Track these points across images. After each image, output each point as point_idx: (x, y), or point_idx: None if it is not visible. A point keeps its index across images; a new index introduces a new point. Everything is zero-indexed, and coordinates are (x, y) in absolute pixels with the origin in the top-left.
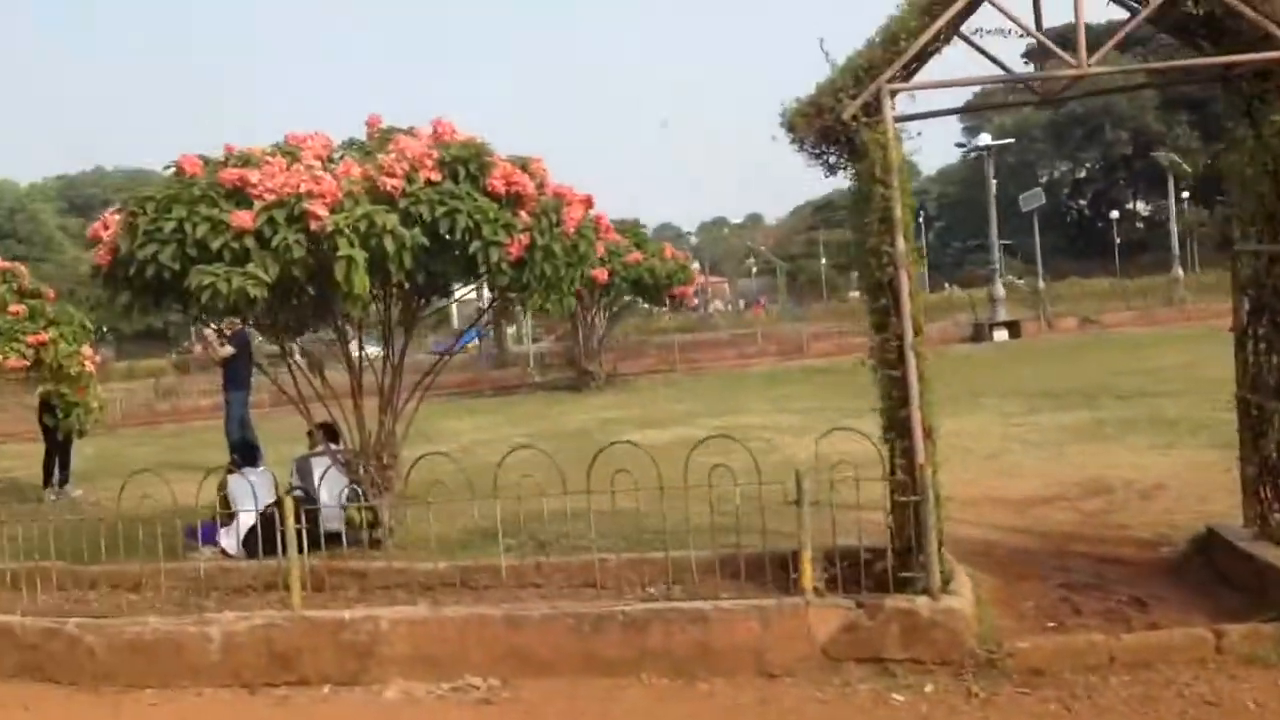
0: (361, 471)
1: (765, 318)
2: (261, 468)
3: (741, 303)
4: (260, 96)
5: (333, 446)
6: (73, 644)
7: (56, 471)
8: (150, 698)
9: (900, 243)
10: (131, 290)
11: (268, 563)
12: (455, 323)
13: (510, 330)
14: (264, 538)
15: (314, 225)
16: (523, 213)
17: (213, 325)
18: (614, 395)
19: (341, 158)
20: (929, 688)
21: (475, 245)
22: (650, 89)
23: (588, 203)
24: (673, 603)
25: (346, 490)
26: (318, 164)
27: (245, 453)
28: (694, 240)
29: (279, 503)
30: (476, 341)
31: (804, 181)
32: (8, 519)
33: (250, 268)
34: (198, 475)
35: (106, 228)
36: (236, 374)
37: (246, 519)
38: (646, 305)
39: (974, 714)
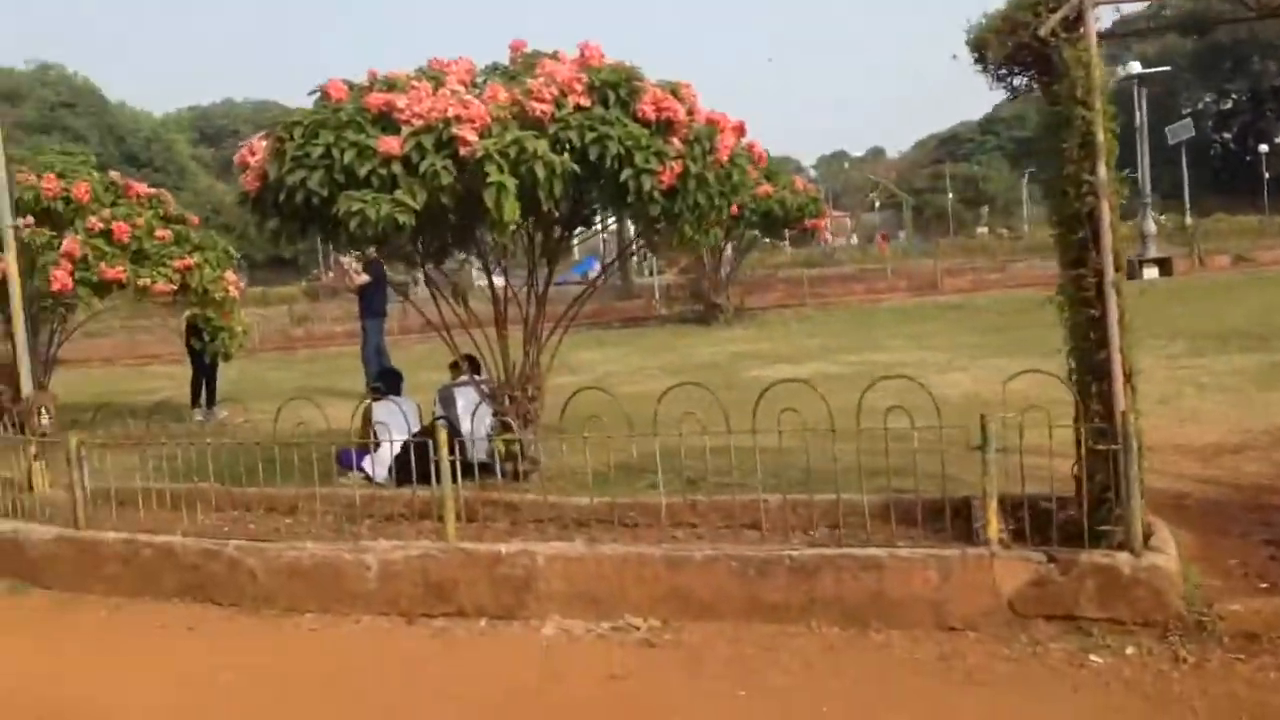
0: (507, 402)
1: (890, 253)
2: (404, 396)
3: (857, 238)
4: (390, 25)
5: (475, 377)
6: (233, 566)
7: (203, 393)
8: (310, 622)
9: (1102, 170)
10: (280, 216)
11: (418, 491)
12: (576, 254)
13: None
14: (410, 466)
15: (463, 151)
16: (675, 140)
17: (351, 254)
18: (742, 329)
19: (485, 83)
20: (1130, 650)
21: (626, 173)
22: (768, 12)
23: (740, 130)
24: (845, 548)
25: (491, 420)
26: (462, 89)
27: (389, 380)
28: (813, 174)
29: (426, 431)
30: (592, 273)
31: (927, 114)
32: (167, 441)
33: (398, 194)
34: (339, 400)
35: (253, 154)
36: (373, 302)
37: (392, 447)
38: (767, 239)
39: (1184, 680)
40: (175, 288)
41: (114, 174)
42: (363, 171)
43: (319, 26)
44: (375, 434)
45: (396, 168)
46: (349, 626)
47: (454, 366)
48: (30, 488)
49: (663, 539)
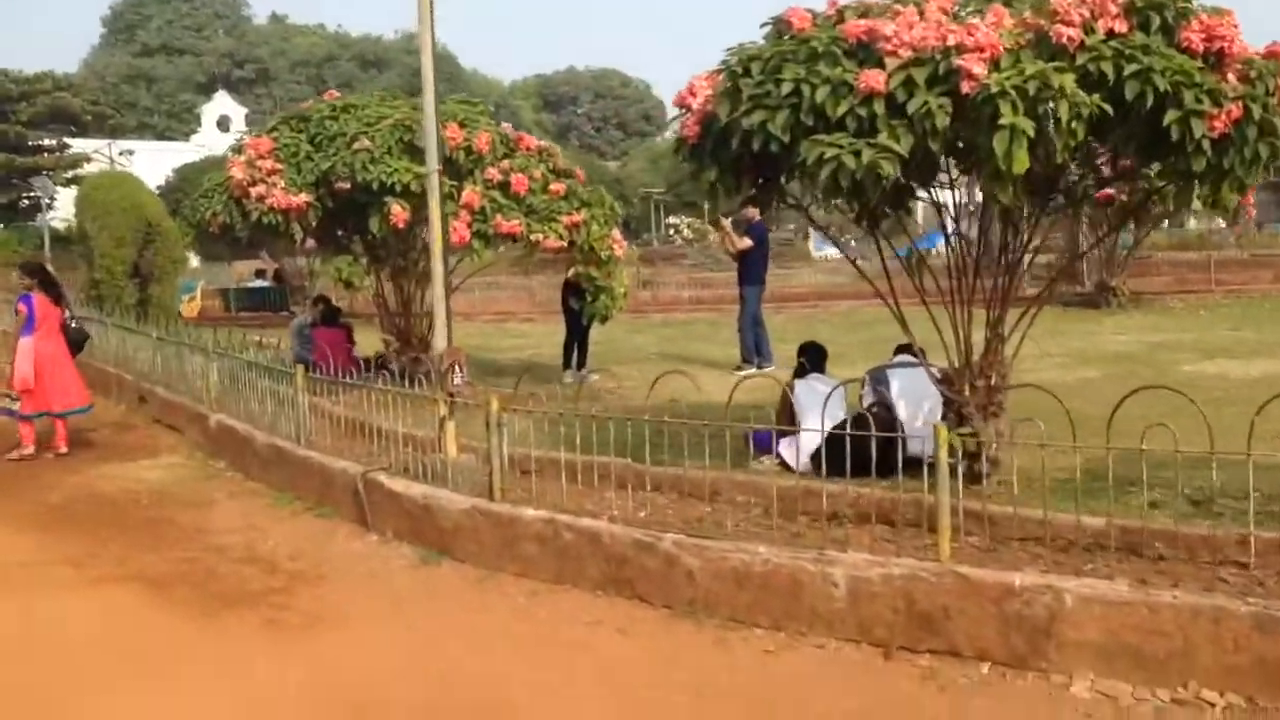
0: (967, 391)
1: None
2: (827, 376)
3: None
4: None
5: (911, 358)
6: (669, 563)
7: (574, 355)
8: (761, 639)
9: None
10: (719, 165)
11: (860, 489)
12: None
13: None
14: (836, 456)
15: (966, 87)
16: (1230, 76)
17: (727, 216)
18: (1141, 316)
19: (964, 13)
20: None
21: (1171, 115)
22: None
23: None
24: None
25: (931, 408)
26: (943, 15)
27: (812, 356)
28: None
29: (860, 418)
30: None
31: None
32: (575, 409)
33: (881, 139)
34: (708, 370)
35: (694, 94)
36: (753, 268)
37: (813, 433)
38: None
39: None
40: (565, 244)
41: (505, 126)
42: (838, 112)
43: None
44: (791, 415)
45: (879, 107)
46: (810, 651)
47: (904, 350)
48: (440, 449)
49: (1213, 583)
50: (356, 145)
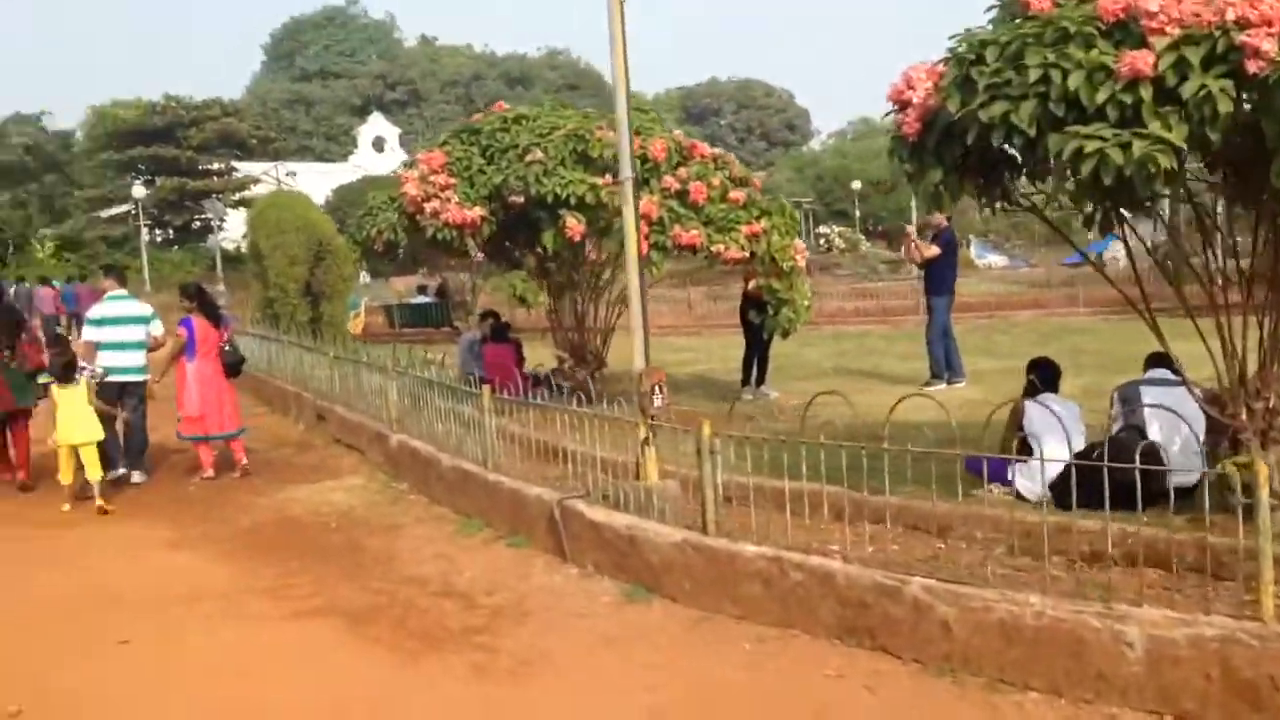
0: (1244, 414)
1: None
2: (1063, 397)
3: None
4: None
5: (1167, 373)
6: (919, 611)
7: (755, 371)
8: (1038, 706)
9: None
10: (944, 165)
11: (1125, 526)
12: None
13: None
14: (1085, 486)
15: (1253, 66)
16: None
17: (912, 225)
18: None
19: None
20: None
21: None
22: None
23: None
24: None
25: (1189, 432)
26: None
27: (1044, 374)
28: None
29: (1115, 443)
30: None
31: None
32: (786, 436)
33: (1155, 129)
34: (894, 387)
35: (911, 87)
36: (942, 277)
37: (1053, 459)
38: None
39: None
40: (747, 255)
41: (678, 133)
42: (1096, 99)
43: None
44: (1029, 440)
45: (1145, 92)
46: None
47: (1152, 359)
48: (639, 475)
49: None
50: (529, 157)
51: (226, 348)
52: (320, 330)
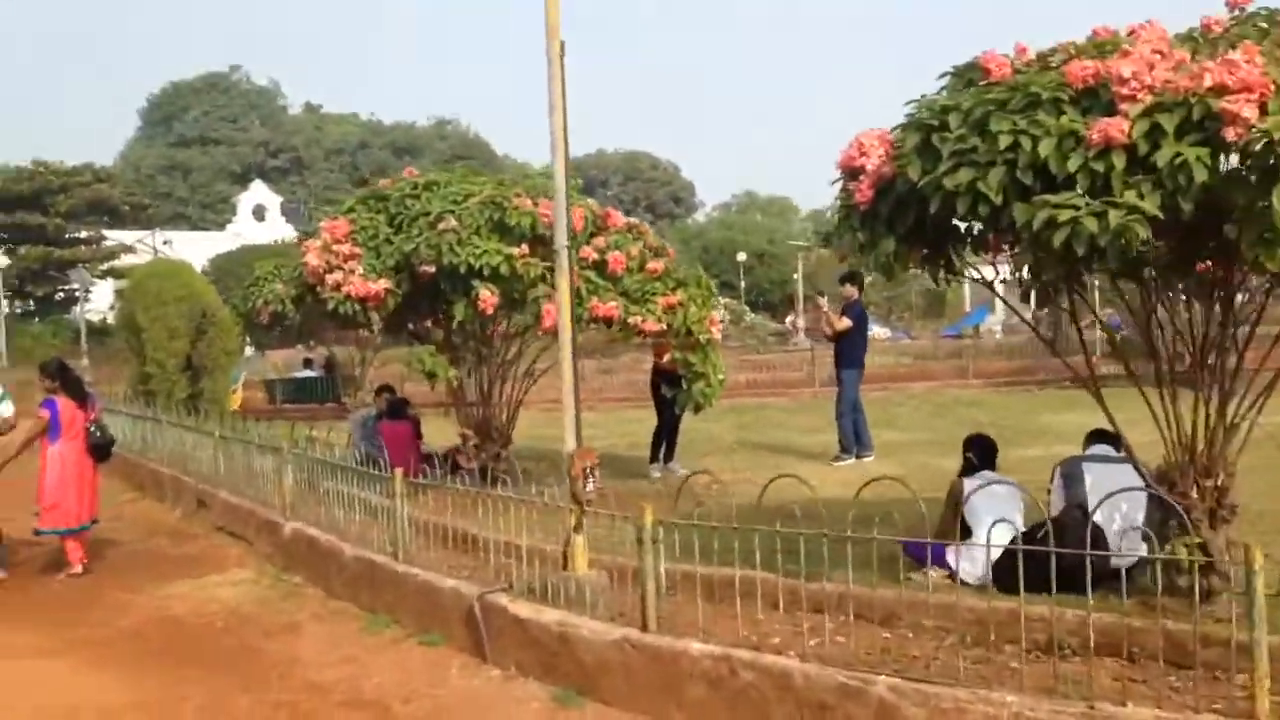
0: (1194, 491)
1: None
2: (998, 474)
3: None
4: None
5: (1109, 450)
6: (885, 714)
7: (663, 448)
8: None
9: None
10: (894, 234)
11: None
12: (968, 304)
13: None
14: (1020, 569)
15: (1232, 134)
16: None
17: (823, 297)
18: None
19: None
20: None
21: None
22: None
23: None
24: None
25: (1130, 509)
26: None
27: (981, 450)
28: None
29: (1060, 523)
30: (983, 325)
31: None
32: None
33: (1128, 198)
34: (805, 462)
35: (864, 154)
36: (852, 350)
37: (995, 540)
38: None
39: None
40: (664, 327)
41: (591, 201)
42: (1067, 167)
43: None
44: (967, 520)
45: (1117, 161)
46: None
47: (1093, 436)
48: (567, 566)
49: None
50: (442, 225)
51: (94, 430)
52: (200, 407)
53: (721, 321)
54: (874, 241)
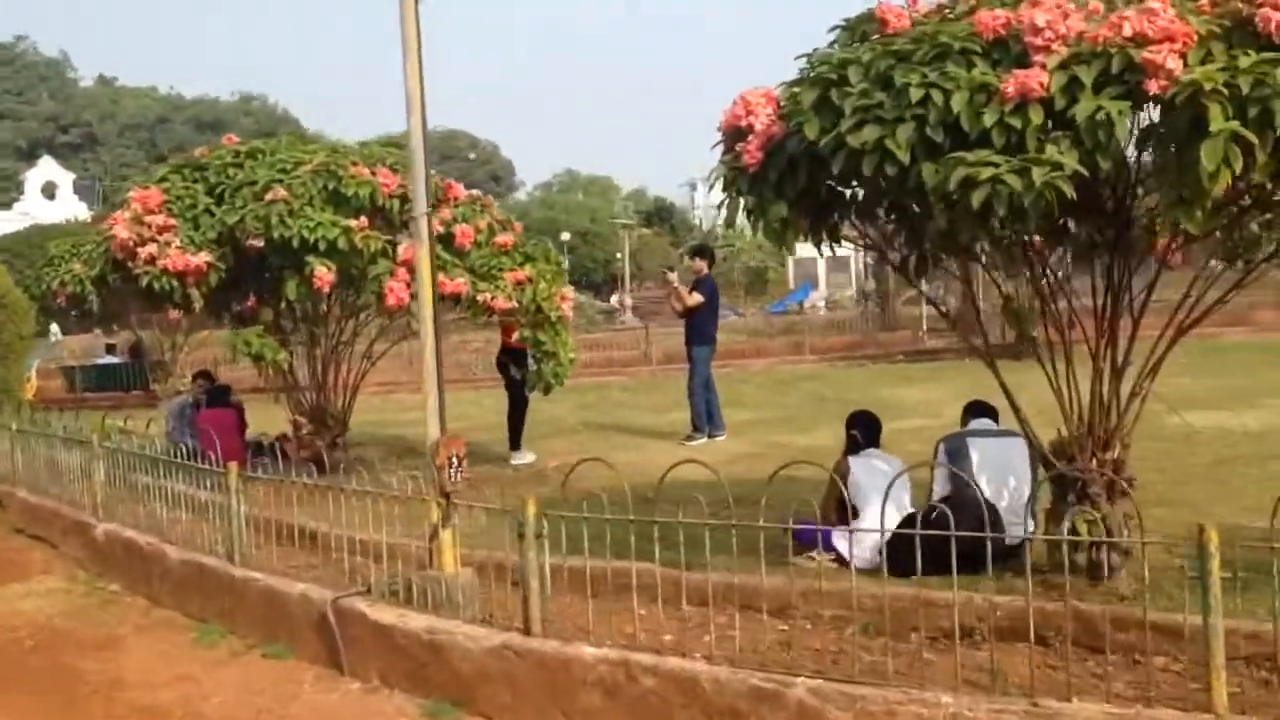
0: (1094, 464)
1: None
2: (883, 453)
3: None
4: None
5: (989, 423)
6: (808, 719)
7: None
8: None
9: None
10: (783, 199)
11: (988, 598)
12: (791, 281)
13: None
14: (910, 550)
15: (1155, 86)
16: None
17: (673, 272)
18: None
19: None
20: None
21: None
22: None
23: None
24: None
25: (1018, 485)
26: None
27: (865, 428)
28: None
29: (954, 502)
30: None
31: None
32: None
33: (1050, 154)
34: (655, 442)
35: (750, 113)
36: (704, 327)
37: (876, 520)
38: None
39: None
40: (515, 304)
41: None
42: (985, 123)
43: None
44: (841, 500)
45: (1035, 115)
46: None
47: (973, 409)
48: (432, 564)
49: None
50: (270, 195)
51: None
52: None
53: (571, 298)
54: (763, 206)
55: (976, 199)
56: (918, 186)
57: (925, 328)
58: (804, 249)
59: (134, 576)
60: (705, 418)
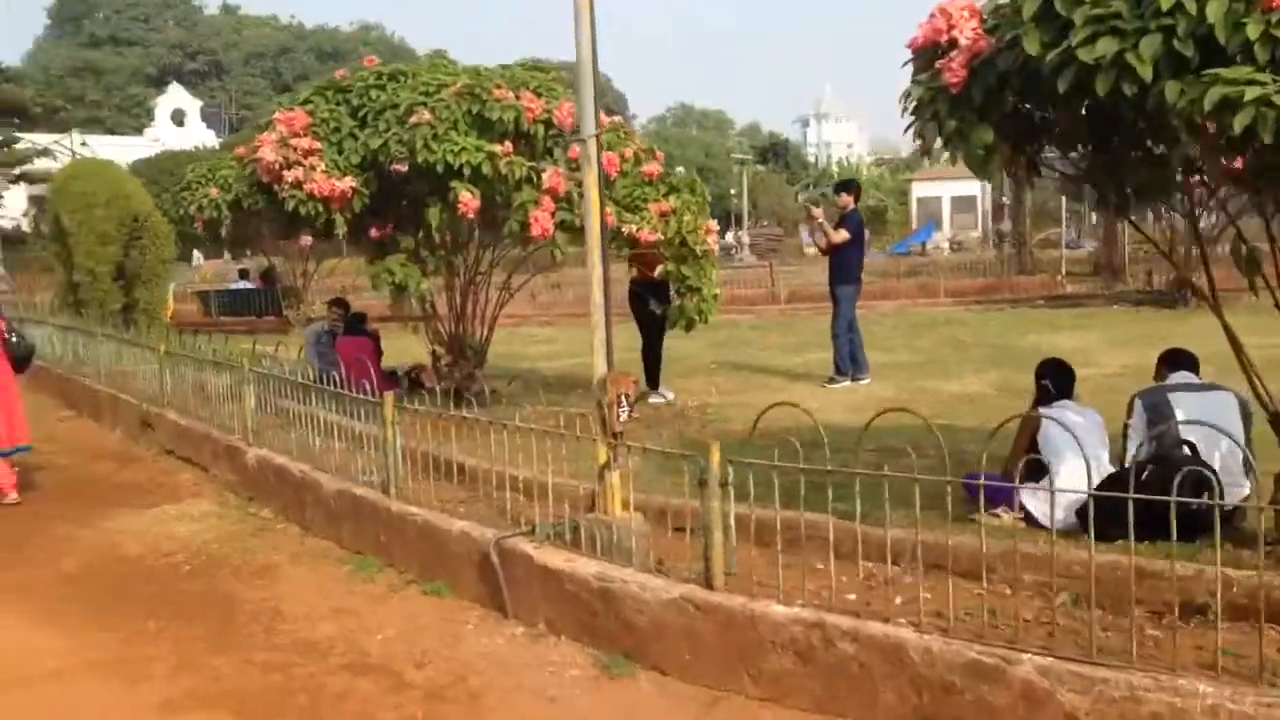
0: None
1: None
2: (1078, 404)
3: None
4: None
5: (1191, 377)
6: (1033, 702)
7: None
8: None
9: None
10: (989, 123)
11: (1229, 571)
12: (914, 221)
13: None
14: (1119, 512)
15: None
16: None
17: (817, 206)
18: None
19: None
20: None
21: None
22: None
23: None
24: None
25: (1231, 446)
26: None
27: (1058, 377)
28: None
29: (1161, 463)
30: (930, 242)
31: None
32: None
33: None
34: (788, 382)
35: (954, 27)
36: (849, 266)
37: (1072, 478)
38: None
39: None
40: (662, 236)
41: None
42: (1245, 35)
43: None
44: (1043, 456)
45: None
46: None
47: (1170, 360)
48: (596, 508)
49: None
50: (414, 119)
51: (12, 338)
52: (134, 320)
53: (716, 231)
54: (964, 131)
55: (1239, 123)
56: (1156, 109)
57: (1064, 271)
58: (927, 188)
59: (286, 503)
60: (848, 360)
